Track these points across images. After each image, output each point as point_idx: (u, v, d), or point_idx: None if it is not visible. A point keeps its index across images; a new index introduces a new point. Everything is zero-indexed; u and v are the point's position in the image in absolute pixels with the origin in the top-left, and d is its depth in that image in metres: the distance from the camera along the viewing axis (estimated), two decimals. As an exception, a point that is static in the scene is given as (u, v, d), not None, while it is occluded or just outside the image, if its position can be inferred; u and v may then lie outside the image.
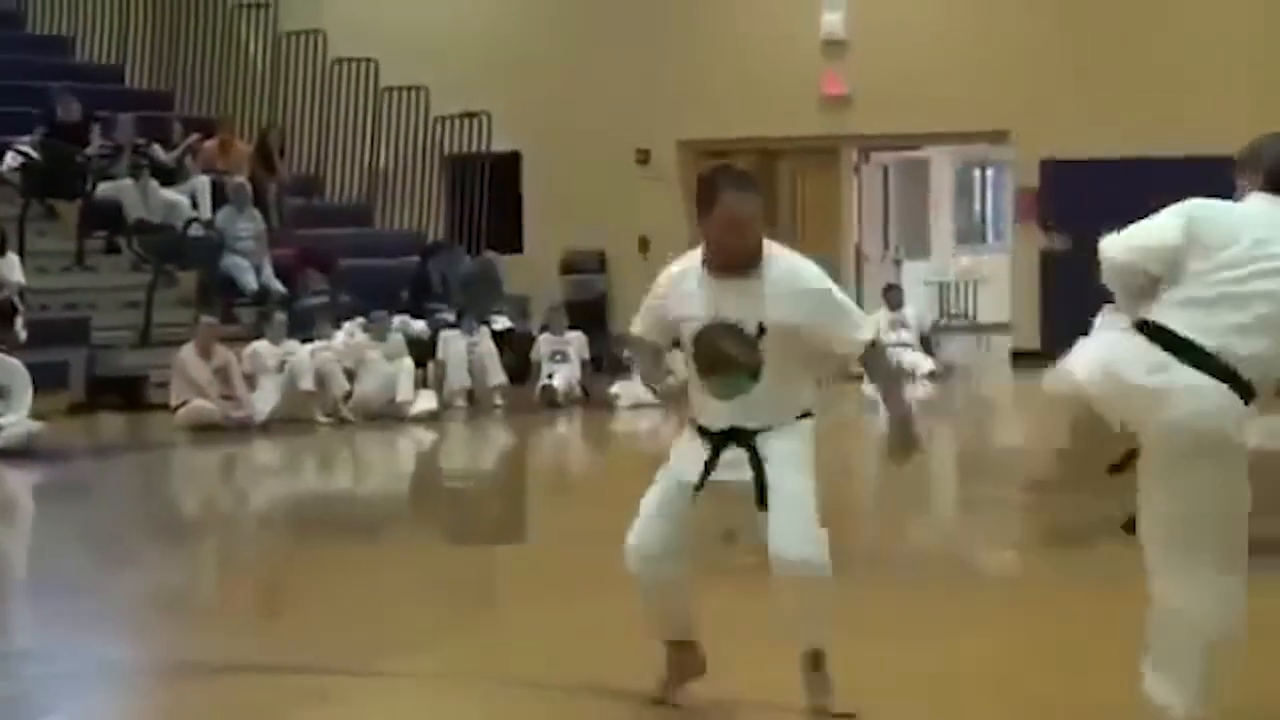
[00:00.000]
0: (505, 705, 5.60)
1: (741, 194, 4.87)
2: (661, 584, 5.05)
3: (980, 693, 5.47)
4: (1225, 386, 4.18)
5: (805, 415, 5.03)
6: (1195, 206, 4.41)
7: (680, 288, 5.00)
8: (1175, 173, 17.90)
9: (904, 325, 18.20)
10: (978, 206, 26.39)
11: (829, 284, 4.98)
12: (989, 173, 25.66)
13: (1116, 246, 4.51)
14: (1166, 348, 4.24)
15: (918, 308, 19.31)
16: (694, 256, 5.02)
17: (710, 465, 4.96)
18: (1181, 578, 4.31)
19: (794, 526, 4.87)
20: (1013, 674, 5.67)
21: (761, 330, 4.86)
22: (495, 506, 11.15)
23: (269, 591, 8.12)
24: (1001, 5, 19.40)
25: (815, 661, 5.02)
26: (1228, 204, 4.43)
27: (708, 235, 4.94)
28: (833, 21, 19.97)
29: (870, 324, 5.07)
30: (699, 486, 4.96)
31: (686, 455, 5.04)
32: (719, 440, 4.97)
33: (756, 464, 4.91)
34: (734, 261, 4.90)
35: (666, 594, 5.09)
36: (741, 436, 4.95)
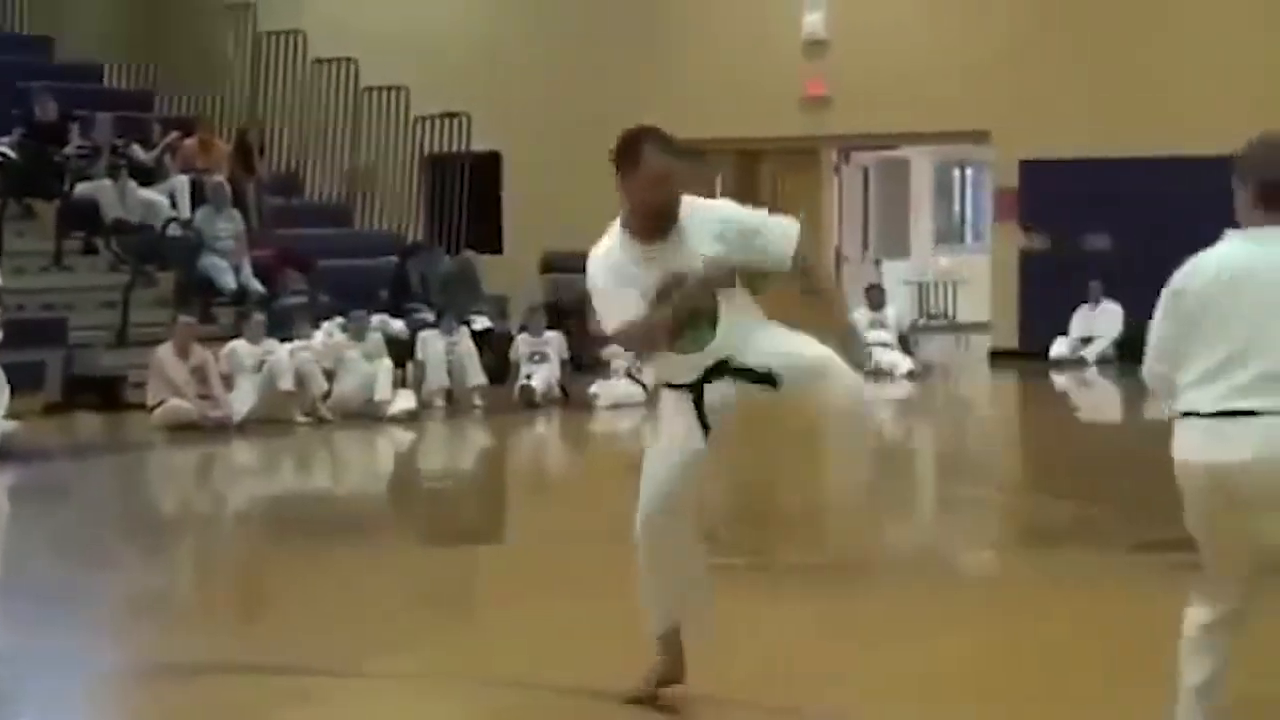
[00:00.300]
0: (486, 705, 5.59)
1: (663, 151, 4.96)
2: (676, 550, 5.04)
3: (962, 692, 5.47)
4: None
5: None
6: (1181, 285, 4.23)
7: (618, 269, 5.01)
8: (1153, 173, 18.11)
9: (883, 325, 18.23)
10: (957, 207, 26.43)
11: (743, 209, 5.10)
12: (968, 173, 25.70)
13: (1148, 367, 4.36)
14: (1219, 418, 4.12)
15: (897, 308, 19.34)
16: (612, 238, 5.07)
17: (703, 421, 4.99)
18: None
19: (836, 364, 4.97)
20: (993, 673, 5.68)
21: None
22: (474, 507, 11.13)
23: (248, 592, 8.10)
24: (982, 6, 19.43)
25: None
26: (1202, 267, 4.22)
27: (631, 194, 5.00)
28: (814, 22, 19.99)
29: (793, 231, 5.08)
30: (705, 431, 4.98)
31: (680, 422, 5.05)
32: (697, 389, 5.02)
33: (747, 372, 4.95)
34: (658, 221, 4.98)
35: (679, 563, 5.08)
36: (716, 372, 4.99)
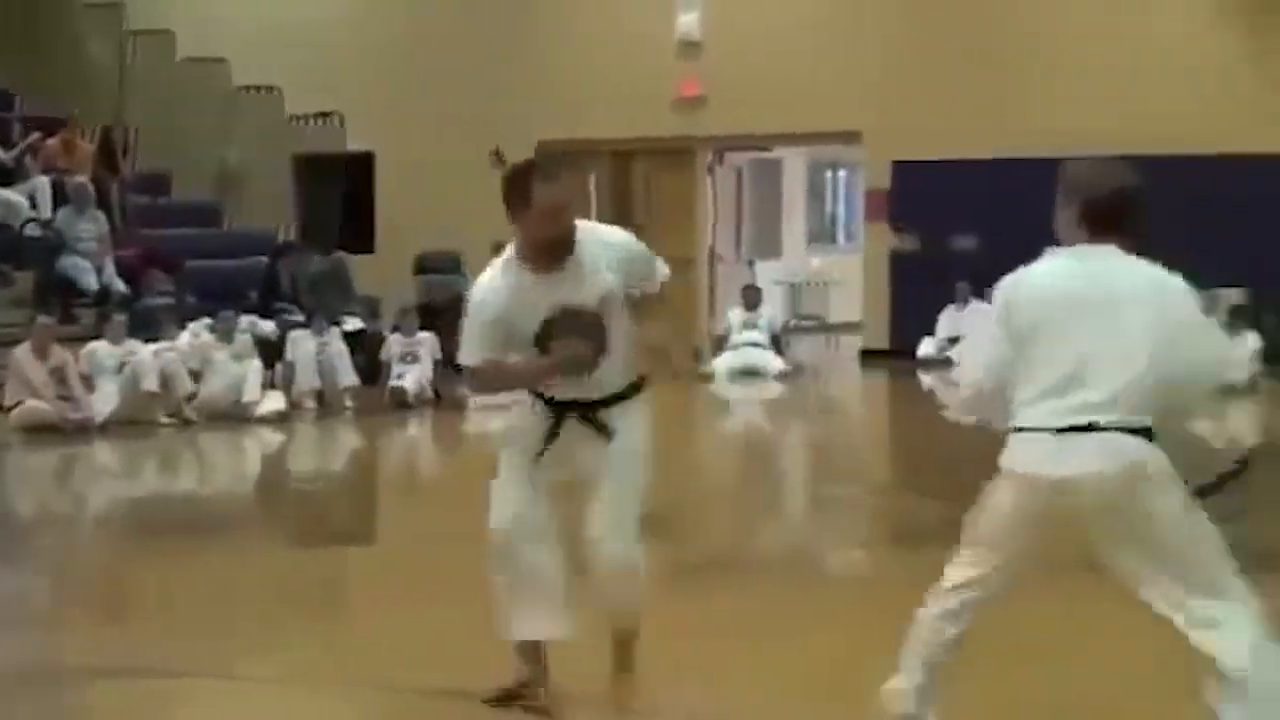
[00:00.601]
0: (356, 708, 5.55)
1: (553, 185, 4.86)
2: (529, 563, 5.05)
3: (832, 690, 5.49)
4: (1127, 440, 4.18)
5: (640, 384, 5.11)
6: (1009, 296, 4.33)
7: (507, 298, 4.94)
8: (1020, 175, 18.29)
9: (757, 325, 18.33)
10: (829, 208, 26.62)
11: (629, 236, 5.09)
12: (841, 174, 25.89)
13: (975, 383, 4.48)
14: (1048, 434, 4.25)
15: (770, 308, 19.45)
16: (504, 263, 4.99)
17: (553, 435, 5.01)
18: None
19: (619, 526, 4.96)
20: (864, 671, 5.69)
21: (600, 303, 4.92)
22: (344, 508, 11.02)
23: (112, 595, 7.95)
24: (854, 8, 19.59)
25: (626, 648, 5.15)
26: (1031, 283, 4.31)
27: (525, 230, 4.90)
28: (688, 23, 20.05)
29: (663, 268, 5.15)
30: (540, 453, 5.02)
31: (527, 430, 5.08)
32: (560, 410, 5.03)
33: (600, 428, 4.98)
34: (557, 250, 4.89)
35: (535, 575, 5.07)
36: (584, 408, 5.01)
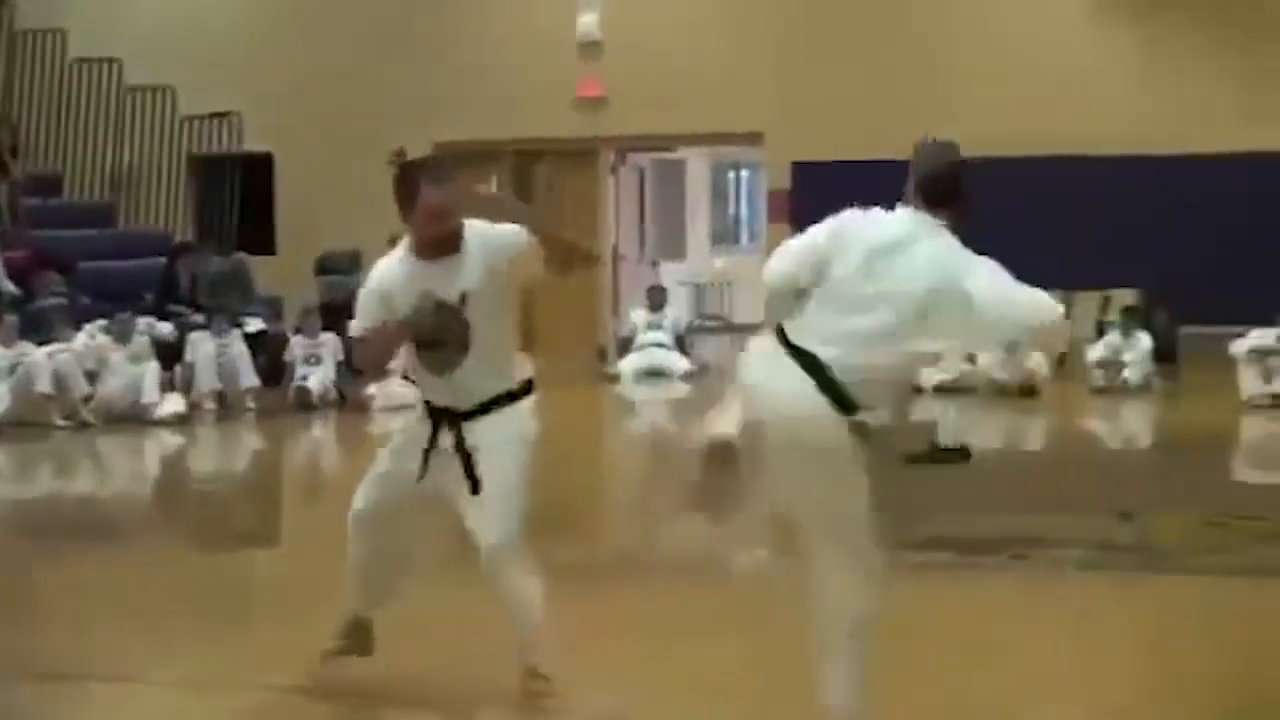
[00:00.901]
0: (252, 711, 5.48)
1: (438, 186, 5.10)
2: (379, 553, 5.29)
3: (739, 688, 5.49)
4: (824, 398, 4.46)
5: (523, 391, 5.21)
6: (847, 215, 4.80)
7: (392, 277, 5.19)
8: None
9: (660, 326, 18.34)
10: (732, 208, 26.69)
11: (514, 231, 5.18)
12: (743, 174, 25.97)
13: (771, 264, 4.82)
14: (789, 353, 4.55)
15: (674, 309, 19.47)
16: (401, 249, 5.24)
17: (432, 445, 5.16)
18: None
19: (495, 520, 5.06)
20: (770, 669, 5.69)
21: (463, 299, 5.09)
22: (246, 510, 10.90)
23: (10, 597, 7.78)
24: (755, 8, 19.64)
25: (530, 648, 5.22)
26: (877, 214, 4.77)
27: (413, 228, 5.16)
28: (588, 23, 20.01)
29: (525, 235, 5.19)
30: (420, 476, 5.16)
31: (409, 438, 5.25)
32: (437, 417, 5.19)
33: (465, 456, 5.10)
34: (439, 247, 5.13)
35: (382, 565, 5.34)
36: (455, 419, 5.14)
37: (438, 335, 5.09)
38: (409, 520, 5.30)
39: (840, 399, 4.46)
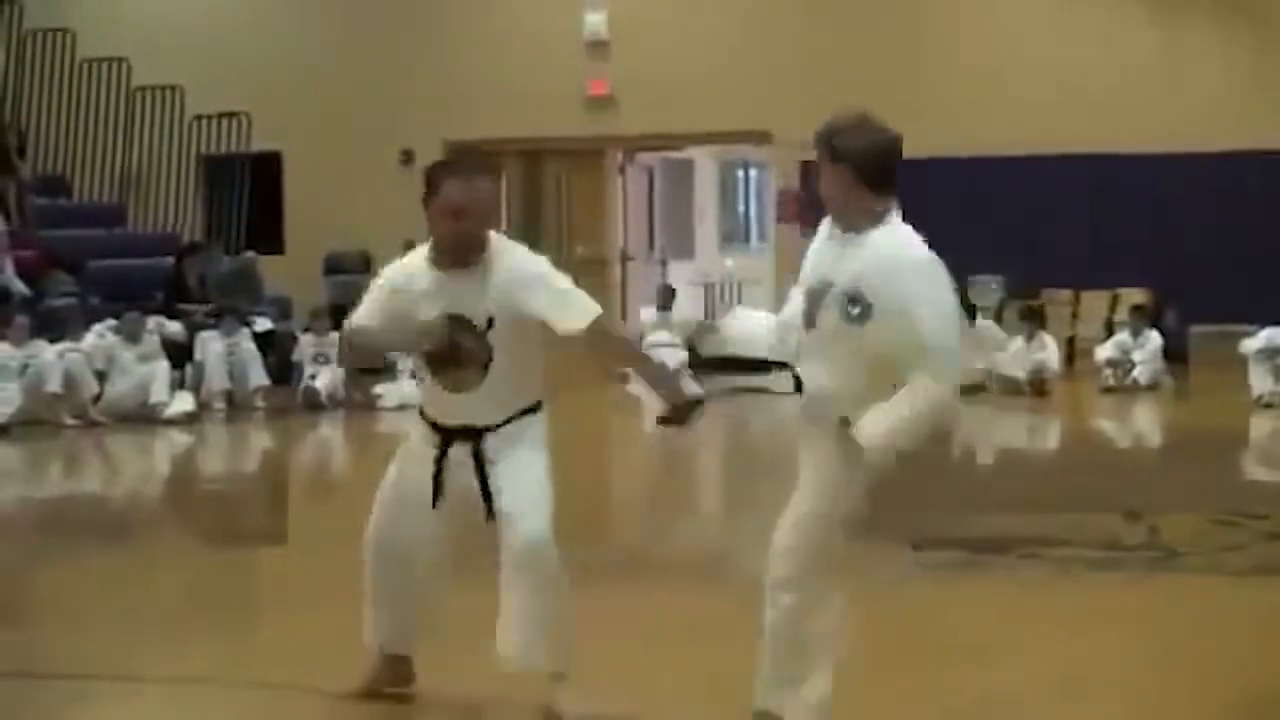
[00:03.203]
0: (265, 710, 5.47)
1: (465, 182, 4.90)
2: (399, 577, 5.13)
3: (745, 691, 5.46)
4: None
5: (535, 407, 5.06)
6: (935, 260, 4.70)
7: (409, 285, 5.01)
8: (928, 173, 18.47)
9: (668, 326, 18.33)
10: (741, 207, 26.67)
11: (548, 269, 4.98)
12: (752, 173, 25.94)
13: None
14: None
15: (683, 309, 19.46)
16: (419, 255, 5.04)
17: (440, 465, 5.01)
18: None
19: (534, 513, 4.92)
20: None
21: (490, 323, 4.89)
22: (254, 509, 10.91)
23: (13, 597, 7.79)
24: (761, 6, 19.64)
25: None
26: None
27: (432, 224, 4.96)
28: (595, 22, 20.02)
29: (589, 306, 4.96)
30: (436, 496, 5.03)
31: (415, 458, 5.09)
32: (448, 435, 5.01)
33: (481, 473, 4.95)
34: (459, 251, 4.91)
35: (402, 594, 5.16)
36: (470, 435, 4.97)
37: (456, 356, 4.92)
38: (426, 544, 5.13)
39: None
